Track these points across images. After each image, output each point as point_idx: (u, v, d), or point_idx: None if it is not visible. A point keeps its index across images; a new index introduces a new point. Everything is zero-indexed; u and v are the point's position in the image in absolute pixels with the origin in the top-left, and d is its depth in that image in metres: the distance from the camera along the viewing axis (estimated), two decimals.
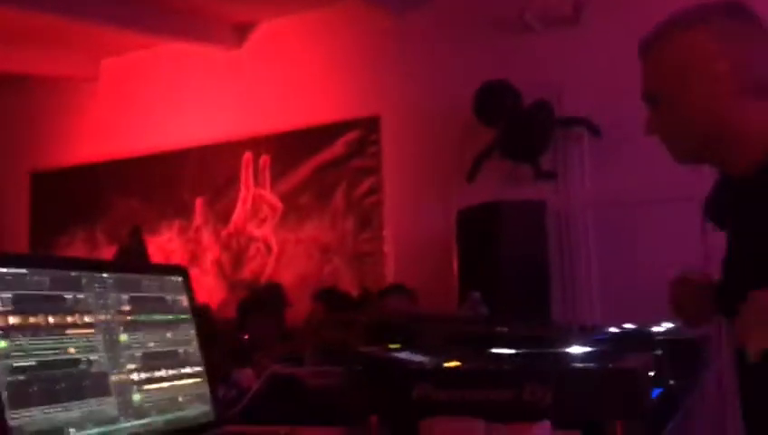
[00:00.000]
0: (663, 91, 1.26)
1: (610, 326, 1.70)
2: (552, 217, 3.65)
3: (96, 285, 1.03)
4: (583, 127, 3.68)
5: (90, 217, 5.15)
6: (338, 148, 4.41)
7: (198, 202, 4.83)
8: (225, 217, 4.75)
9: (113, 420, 0.96)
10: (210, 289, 4.60)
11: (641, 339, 1.46)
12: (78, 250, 5.13)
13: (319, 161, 4.46)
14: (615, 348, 1.23)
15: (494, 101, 3.70)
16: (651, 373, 1.05)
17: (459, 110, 3.84)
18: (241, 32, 4.75)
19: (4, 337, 0.87)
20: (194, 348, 1.18)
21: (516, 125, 3.68)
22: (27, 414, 0.85)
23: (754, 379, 1.25)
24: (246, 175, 4.69)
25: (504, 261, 3.35)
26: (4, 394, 0.84)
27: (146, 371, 1.05)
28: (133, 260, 2.44)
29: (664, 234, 3.41)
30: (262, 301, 3.46)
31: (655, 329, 1.68)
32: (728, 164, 1.26)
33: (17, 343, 0.88)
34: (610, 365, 1.05)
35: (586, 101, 3.66)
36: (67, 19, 4.25)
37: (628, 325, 1.75)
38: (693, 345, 1.55)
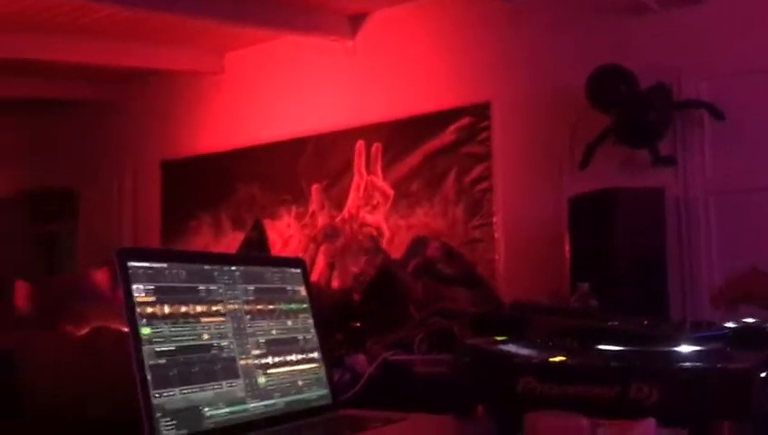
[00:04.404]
0: None
1: (728, 322, 1.65)
2: (670, 205, 3.53)
3: (225, 277, 1.13)
4: (704, 110, 3.52)
5: (215, 202, 5.45)
6: (448, 135, 4.44)
7: (314, 188, 5.01)
8: (339, 204, 4.90)
9: (241, 401, 1.06)
10: (320, 273, 4.79)
11: (759, 336, 1.42)
12: (204, 234, 5.46)
13: (429, 148, 4.51)
14: (729, 346, 1.21)
15: (609, 86, 3.61)
16: (764, 373, 1.04)
17: (571, 94, 3.77)
18: (354, 22, 4.86)
19: (148, 325, 0.97)
20: (311, 335, 1.27)
21: (633, 109, 3.58)
22: (168, 393, 0.96)
23: None
24: (359, 162, 4.81)
25: (619, 251, 3.27)
26: (149, 375, 0.95)
27: (269, 356, 1.15)
28: (256, 251, 2.61)
29: None
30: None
31: None
32: None
33: (159, 330, 0.99)
34: (719, 365, 1.04)
35: (706, 83, 3.50)
36: (194, 17, 4.52)
37: (749, 320, 1.69)
38: None
